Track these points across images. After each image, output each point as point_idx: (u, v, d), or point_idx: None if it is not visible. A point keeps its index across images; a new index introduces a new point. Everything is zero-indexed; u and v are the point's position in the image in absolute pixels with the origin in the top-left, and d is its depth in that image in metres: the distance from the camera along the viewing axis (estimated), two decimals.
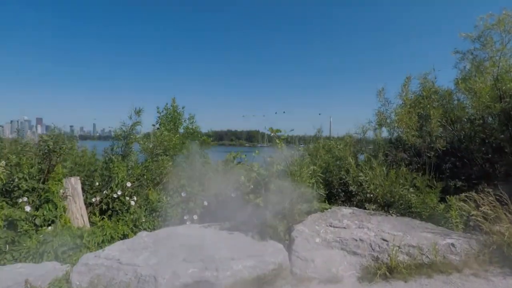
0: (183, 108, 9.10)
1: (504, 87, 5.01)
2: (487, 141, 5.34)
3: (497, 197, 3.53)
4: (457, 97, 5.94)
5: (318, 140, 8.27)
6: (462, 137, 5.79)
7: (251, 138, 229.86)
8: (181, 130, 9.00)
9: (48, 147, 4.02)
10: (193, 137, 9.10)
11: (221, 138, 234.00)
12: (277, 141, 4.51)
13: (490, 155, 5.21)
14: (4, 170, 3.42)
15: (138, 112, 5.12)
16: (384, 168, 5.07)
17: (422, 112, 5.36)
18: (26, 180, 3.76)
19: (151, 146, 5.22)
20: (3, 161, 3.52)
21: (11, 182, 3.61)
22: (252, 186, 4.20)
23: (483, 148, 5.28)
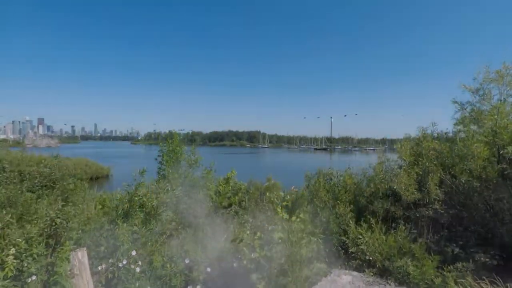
0: (184, 140, 9.37)
1: (501, 151, 5.10)
2: (485, 198, 5.42)
3: (492, 282, 3.63)
4: (457, 150, 6.03)
5: (319, 178, 8.38)
6: (460, 190, 5.88)
7: (251, 138, 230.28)
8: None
9: (56, 223, 4.14)
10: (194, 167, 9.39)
11: (222, 139, 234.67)
12: (278, 209, 4.63)
13: (488, 214, 5.30)
14: (14, 262, 3.54)
15: (142, 173, 5.23)
16: (383, 229, 5.20)
17: (420, 172, 5.45)
18: (34, 259, 3.88)
19: (155, 204, 5.32)
20: (12, 249, 3.63)
21: (21, 265, 3.72)
22: (255, 264, 4.30)
23: (482, 205, 5.37)
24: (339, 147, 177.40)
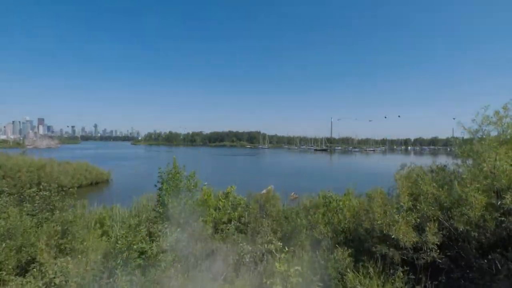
0: (183, 166, 9.46)
1: (499, 201, 5.10)
2: (482, 246, 5.43)
3: None
4: (454, 192, 6.03)
5: (318, 209, 8.41)
6: (458, 232, 5.88)
7: (252, 139, 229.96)
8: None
9: (55, 284, 4.17)
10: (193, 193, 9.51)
11: (222, 139, 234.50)
12: (277, 264, 4.64)
13: (485, 260, 5.30)
14: None
15: (140, 223, 5.26)
16: (381, 277, 5.22)
17: (418, 219, 5.46)
18: None
19: (155, 251, 5.34)
20: None
21: None
22: None
23: (479, 253, 5.38)
24: (339, 147, 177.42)
